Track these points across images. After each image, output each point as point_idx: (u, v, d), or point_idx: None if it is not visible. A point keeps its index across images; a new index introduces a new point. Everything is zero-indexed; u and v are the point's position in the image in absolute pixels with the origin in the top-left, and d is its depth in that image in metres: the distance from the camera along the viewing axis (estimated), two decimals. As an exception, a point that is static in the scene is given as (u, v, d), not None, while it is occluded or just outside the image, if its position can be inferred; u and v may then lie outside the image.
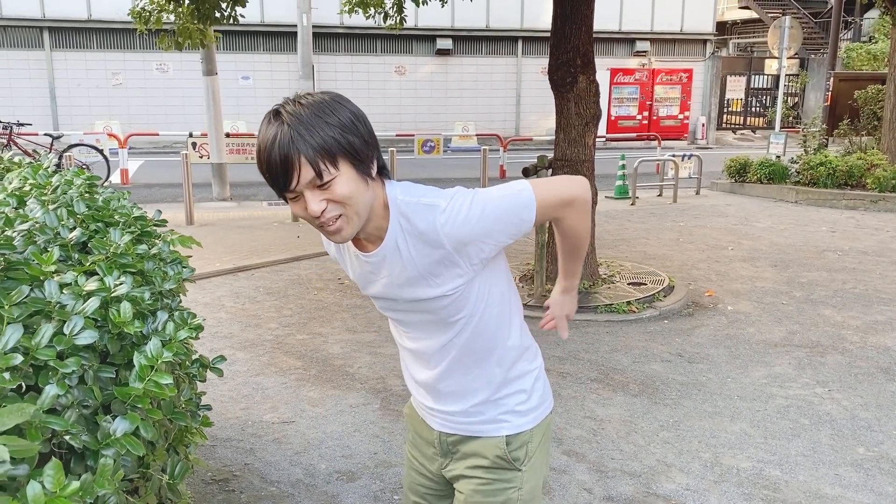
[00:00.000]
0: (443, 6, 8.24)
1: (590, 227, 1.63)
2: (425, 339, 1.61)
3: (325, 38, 20.88)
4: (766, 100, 25.17)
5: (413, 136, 14.28)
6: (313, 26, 19.63)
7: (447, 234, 1.40)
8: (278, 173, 1.32)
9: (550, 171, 6.03)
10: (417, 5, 7.79)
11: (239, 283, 6.63)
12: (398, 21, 7.93)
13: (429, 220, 1.41)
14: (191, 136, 11.72)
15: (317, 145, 1.30)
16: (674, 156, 12.52)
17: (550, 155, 6.14)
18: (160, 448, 1.79)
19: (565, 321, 1.84)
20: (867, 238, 8.68)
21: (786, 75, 14.27)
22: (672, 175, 12.02)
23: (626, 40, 23.37)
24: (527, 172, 6.16)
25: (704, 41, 24.16)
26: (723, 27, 29.87)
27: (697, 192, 12.57)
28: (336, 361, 4.76)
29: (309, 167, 1.30)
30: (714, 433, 3.77)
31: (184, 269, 2.29)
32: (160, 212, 2.50)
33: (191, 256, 2.46)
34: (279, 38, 20.72)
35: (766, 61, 25.00)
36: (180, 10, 6.54)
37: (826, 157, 11.73)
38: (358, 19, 8.57)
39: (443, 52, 21.78)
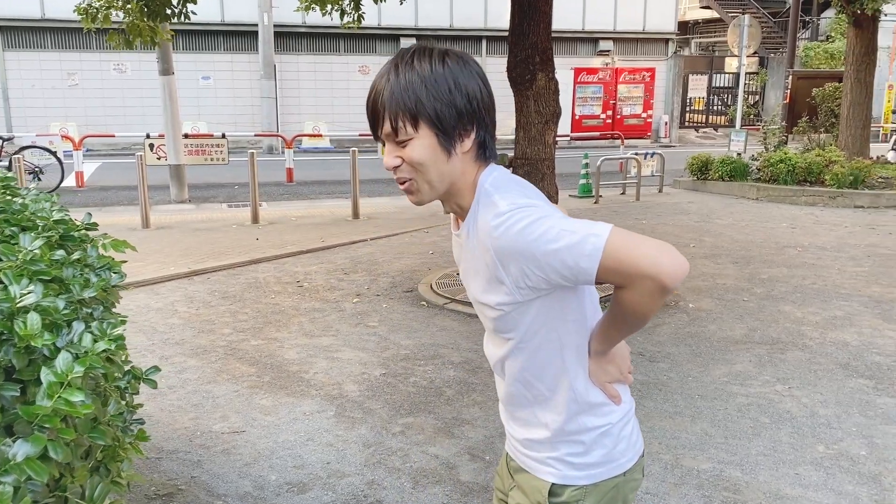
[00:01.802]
0: (401, 3, 8.12)
1: (653, 315, 1.36)
2: (489, 344, 1.54)
3: (287, 37, 20.64)
4: (727, 98, 25.51)
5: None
6: (275, 25, 19.43)
7: (495, 238, 1.30)
8: (369, 117, 1.38)
9: (511, 169, 5.95)
10: (376, 2, 7.68)
11: (194, 287, 6.45)
12: (356, 19, 7.78)
13: (486, 218, 1.34)
14: (148, 137, 11.47)
15: (402, 103, 1.31)
16: (637, 154, 12.58)
17: (511, 153, 6.07)
18: (80, 469, 1.66)
19: (611, 389, 1.48)
20: (826, 234, 8.77)
21: (746, 73, 14.40)
22: (635, 173, 12.07)
23: (589, 40, 23.50)
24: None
25: (666, 41, 24.41)
26: (684, 27, 30.22)
27: (660, 190, 12.64)
28: (291, 367, 4.63)
29: (388, 122, 1.33)
30: (674, 434, 3.72)
31: (114, 276, 2.16)
32: (90, 215, 2.36)
33: (126, 262, 2.33)
34: (240, 37, 20.41)
35: (727, 60, 25.35)
36: (129, 6, 6.33)
37: (786, 154, 11.87)
38: (319, 18, 8.40)
39: (407, 52, 21.66)
